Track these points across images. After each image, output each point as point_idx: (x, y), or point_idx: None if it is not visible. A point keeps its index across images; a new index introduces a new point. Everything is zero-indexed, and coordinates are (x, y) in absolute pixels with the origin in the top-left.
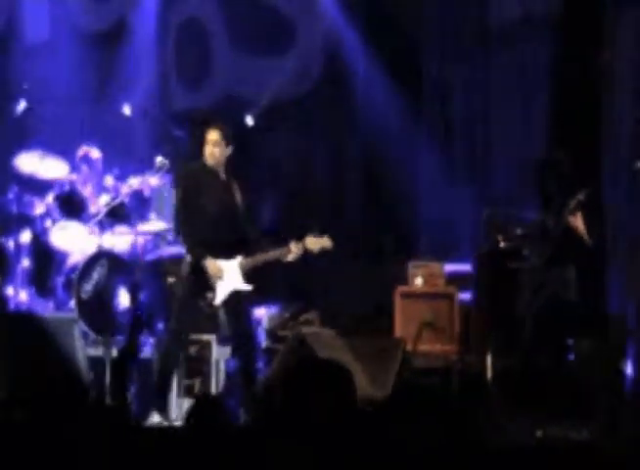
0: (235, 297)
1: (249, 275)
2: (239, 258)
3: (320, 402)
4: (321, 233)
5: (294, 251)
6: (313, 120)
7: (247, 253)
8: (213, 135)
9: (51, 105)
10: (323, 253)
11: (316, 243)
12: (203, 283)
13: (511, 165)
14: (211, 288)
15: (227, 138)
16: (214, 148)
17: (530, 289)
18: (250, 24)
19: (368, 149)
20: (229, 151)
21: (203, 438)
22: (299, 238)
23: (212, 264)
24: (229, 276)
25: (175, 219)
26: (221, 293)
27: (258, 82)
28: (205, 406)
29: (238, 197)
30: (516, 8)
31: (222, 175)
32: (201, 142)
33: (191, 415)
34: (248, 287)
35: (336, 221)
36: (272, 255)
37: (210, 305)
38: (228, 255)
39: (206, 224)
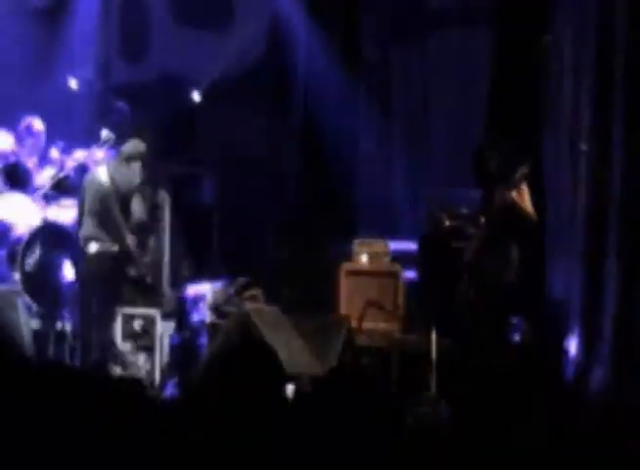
0: None
1: None
2: None
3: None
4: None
5: None
6: (254, 98)
7: None
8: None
9: None
10: None
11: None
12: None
13: (450, 148)
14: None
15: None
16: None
17: (473, 269)
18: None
19: (307, 131)
20: None
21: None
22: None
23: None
24: None
25: None
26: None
27: (199, 58)
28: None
29: None
30: None
31: None
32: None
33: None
34: None
35: (275, 202)
36: None
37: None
38: None
39: None
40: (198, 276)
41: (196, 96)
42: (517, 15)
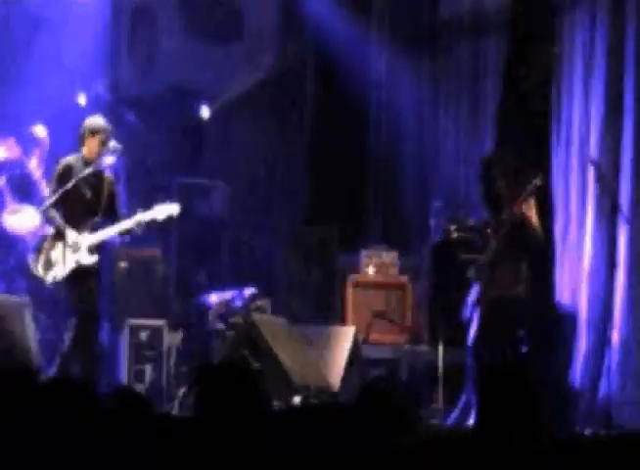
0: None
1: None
2: (85, 234)
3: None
4: None
5: (138, 219)
6: (265, 109)
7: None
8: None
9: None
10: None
11: (163, 211)
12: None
13: (459, 160)
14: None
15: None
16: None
17: (482, 280)
18: (198, 12)
19: (317, 143)
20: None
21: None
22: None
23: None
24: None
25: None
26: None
27: (208, 70)
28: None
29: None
30: (466, 1)
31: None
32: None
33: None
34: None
35: (283, 213)
36: (117, 228)
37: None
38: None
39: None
40: (206, 287)
41: (205, 112)
42: (526, 26)
